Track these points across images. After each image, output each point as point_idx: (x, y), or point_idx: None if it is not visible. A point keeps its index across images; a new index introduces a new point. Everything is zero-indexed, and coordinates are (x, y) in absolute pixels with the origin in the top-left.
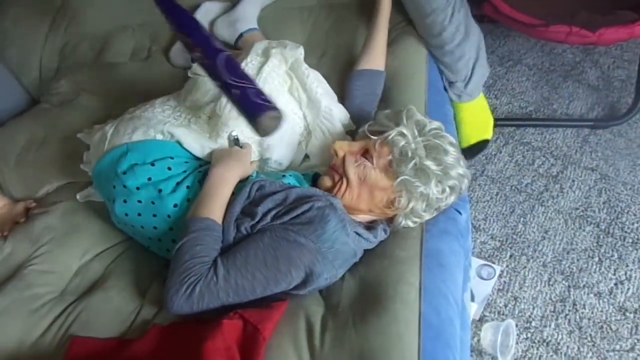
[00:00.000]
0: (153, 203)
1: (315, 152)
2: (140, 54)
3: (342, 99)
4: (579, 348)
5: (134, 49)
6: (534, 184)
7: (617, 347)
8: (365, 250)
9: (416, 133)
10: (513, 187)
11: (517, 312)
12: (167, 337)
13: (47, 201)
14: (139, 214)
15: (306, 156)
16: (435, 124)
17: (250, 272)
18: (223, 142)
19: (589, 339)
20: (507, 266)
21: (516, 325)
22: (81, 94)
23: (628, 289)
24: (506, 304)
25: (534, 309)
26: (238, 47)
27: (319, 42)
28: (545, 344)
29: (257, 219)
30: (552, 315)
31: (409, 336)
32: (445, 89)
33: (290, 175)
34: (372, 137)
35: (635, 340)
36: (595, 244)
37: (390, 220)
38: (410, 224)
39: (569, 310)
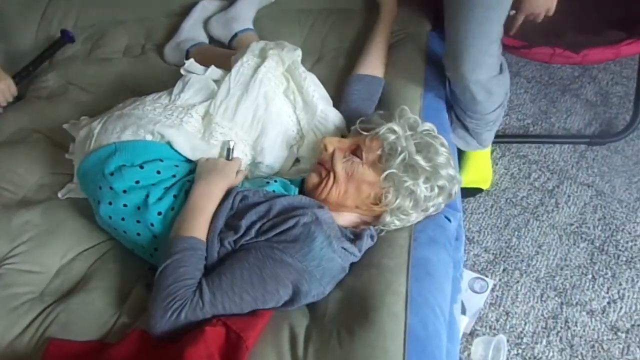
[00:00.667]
0: (138, 209)
1: (308, 155)
2: (134, 51)
3: (338, 102)
4: None
5: (127, 45)
6: (530, 198)
7: None
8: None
9: (407, 130)
10: (508, 200)
11: (508, 327)
12: (148, 342)
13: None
14: (123, 219)
15: (297, 160)
16: (428, 125)
17: (238, 294)
18: (216, 142)
19: (580, 357)
20: (500, 280)
21: (507, 341)
22: (70, 89)
23: (621, 308)
24: (498, 319)
25: (525, 324)
26: (232, 46)
27: (315, 47)
28: None
29: (240, 233)
30: (544, 332)
31: (394, 350)
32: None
33: (276, 182)
34: (362, 132)
35: None
36: (589, 261)
37: (377, 220)
38: (397, 223)
39: (561, 328)
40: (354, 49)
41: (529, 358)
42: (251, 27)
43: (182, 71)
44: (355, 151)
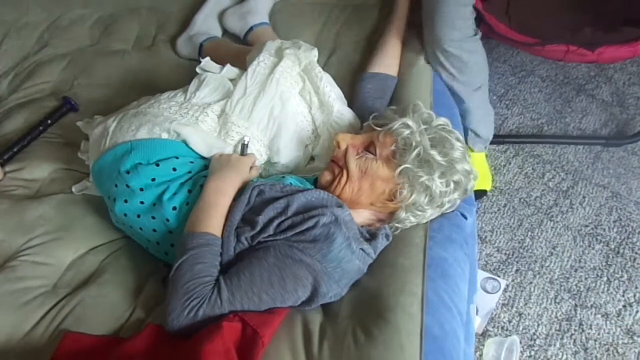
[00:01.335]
0: (154, 205)
1: (323, 154)
2: (145, 42)
3: (350, 100)
4: None
5: (138, 36)
6: (543, 198)
7: None
8: None
9: (421, 125)
10: (522, 200)
11: (521, 328)
12: (163, 336)
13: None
14: (138, 216)
15: (311, 158)
16: (442, 119)
17: (257, 294)
18: (232, 142)
19: None
20: (512, 281)
21: (520, 342)
22: (76, 84)
23: (637, 311)
24: (510, 320)
25: (538, 326)
26: (247, 40)
27: (328, 41)
28: None
29: (258, 229)
30: (558, 334)
31: (410, 349)
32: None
33: (292, 178)
34: (376, 128)
35: None
36: (604, 263)
37: (391, 216)
38: (412, 219)
39: (575, 330)
40: (369, 45)
41: None
42: (267, 21)
43: (197, 70)
44: (369, 147)
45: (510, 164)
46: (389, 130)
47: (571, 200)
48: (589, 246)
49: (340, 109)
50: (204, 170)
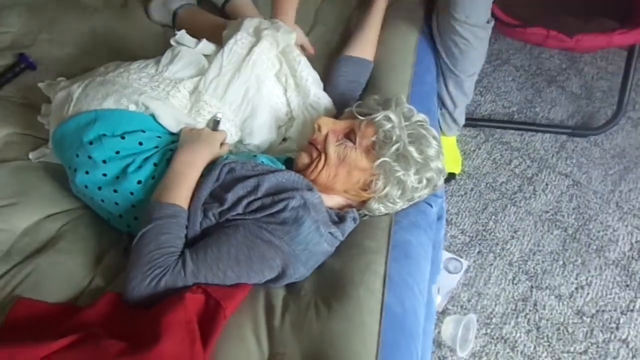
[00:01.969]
0: (117, 178)
1: (296, 137)
2: (116, 1)
3: (325, 82)
4: (535, 347)
5: None
6: (509, 184)
7: (572, 349)
8: None
9: (402, 120)
10: (488, 185)
11: (479, 307)
12: (122, 305)
13: None
14: (100, 188)
15: (283, 139)
16: (421, 116)
17: (222, 270)
18: (203, 120)
19: (545, 339)
20: (474, 262)
21: (477, 321)
22: (39, 39)
23: (588, 294)
24: (469, 299)
25: (496, 305)
26: (225, 10)
27: (308, 17)
28: (503, 340)
29: (226, 206)
30: (513, 314)
31: (371, 324)
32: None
33: (264, 157)
34: (358, 117)
35: (589, 344)
36: (561, 248)
37: (362, 205)
38: (382, 210)
39: (530, 310)
40: (348, 24)
41: (497, 338)
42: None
43: (172, 42)
44: (349, 135)
45: (479, 149)
46: (371, 121)
47: (535, 186)
48: (548, 231)
49: (317, 93)
50: (171, 144)
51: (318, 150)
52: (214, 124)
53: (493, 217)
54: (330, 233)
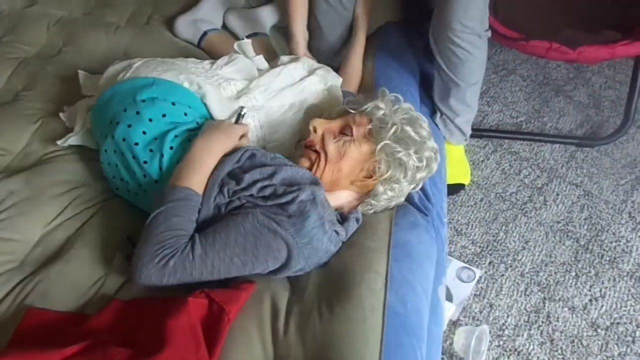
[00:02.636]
0: (155, 139)
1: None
2: (139, 19)
3: None
4: None
5: (133, 11)
6: (519, 194)
7: None
8: None
9: (391, 106)
10: (498, 195)
11: (491, 318)
12: (128, 312)
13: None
14: (136, 143)
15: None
16: (407, 104)
17: (229, 256)
18: (242, 103)
19: (559, 352)
20: (485, 273)
21: (489, 332)
22: (64, 50)
23: (602, 305)
24: (481, 310)
25: (508, 317)
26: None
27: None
28: (516, 353)
29: (242, 185)
30: (526, 325)
31: (373, 322)
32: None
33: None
34: (350, 111)
35: (605, 357)
36: (573, 259)
37: (368, 194)
38: (389, 193)
39: (542, 322)
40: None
41: (510, 350)
42: (268, 34)
43: (235, 46)
44: (344, 130)
45: (488, 159)
46: (363, 111)
47: (545, 197)
48: (560, 242)
49: None
50: None
51: (316, 152)
52: (238, 116)
53: (503, 227)
54: (335, 231)
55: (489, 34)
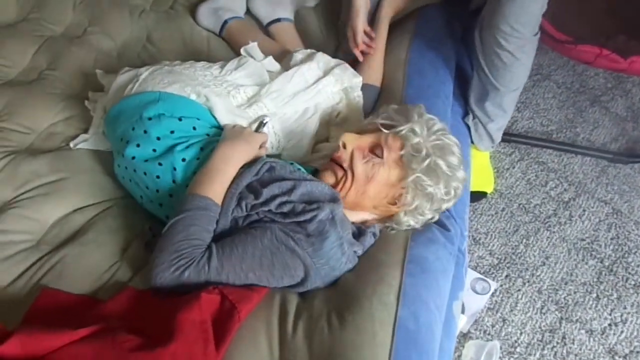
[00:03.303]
0: (164, 153)
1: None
2: (164, 3)
3: None
4: None
5: None
6: (543, 207)
7: None
8: None
9: (426, 131)
10: (521, 206)
11: (503, 334)
12: (141, 301)
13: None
14: (146, 160)
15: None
16: (441, 124)
17: (244, 270)
18: (252, 115)
19: None
20: (501, 286)
21: (500, 348)
22: (89, 31)
23: (622, 331)
24: (494, 324)
25: (521, 334)
26: (269, 30)
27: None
28: None
29: (260, 200)
30: (539, 345)
31: (383, 336)
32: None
33: (298, 165)
34: (382, 130)
35: None
36: (595, 280)
37: (389, 218)
38: (412, 222)
39: (557, 343)
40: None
41: None
42: (292, 18)
43: (242, 51)
44: (374, 149)
45: (514, 167)
46: (397, 134)
47: (571, 212)
48: (583, 260)
49: None
50: (219, 136)
51: (344, 169)
52: (259, 124)
53: (524, 240)
54: (354, 252)
55: (538, 36)
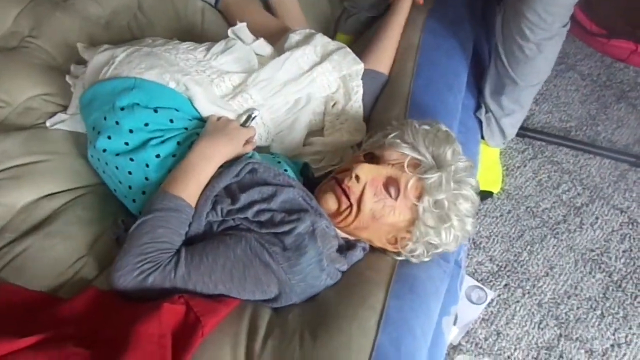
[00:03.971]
0: (137, 148)
1: (326, 149)
2: None
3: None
4: None
5: None
6: (553, 211)
7: None
8: None
9: (452, 184)
10: (528, 209)
11: (496, 348)
12: (102, 305)
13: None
14: (117, 154)
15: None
16: (467, 163)
17: (213, 281)
18: (237, 108)
19: None
20: (498, 296)
21: None
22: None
23: (624, 354)
24: (487, 337)
25: (515, 350)
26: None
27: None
28: None
29: (237, 206)
30: None
31: None
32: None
33: (286, 164)
34: (406, 170)
35: None
36: (601, 295)
37: (383, 251)
38: (412, 260)
39: None
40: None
41: None
42: None
43: (229, 32)
44: (389, 186)
45: (525, 166)
46: (421, 181)
47: (582, 218)
48: (590, 273)
49: (361, 122)
50: (200, 129)
51: (350, 202)
52: (247, 118)
53: (528, 247)
54: (336, 268)
55: (568, 27)
